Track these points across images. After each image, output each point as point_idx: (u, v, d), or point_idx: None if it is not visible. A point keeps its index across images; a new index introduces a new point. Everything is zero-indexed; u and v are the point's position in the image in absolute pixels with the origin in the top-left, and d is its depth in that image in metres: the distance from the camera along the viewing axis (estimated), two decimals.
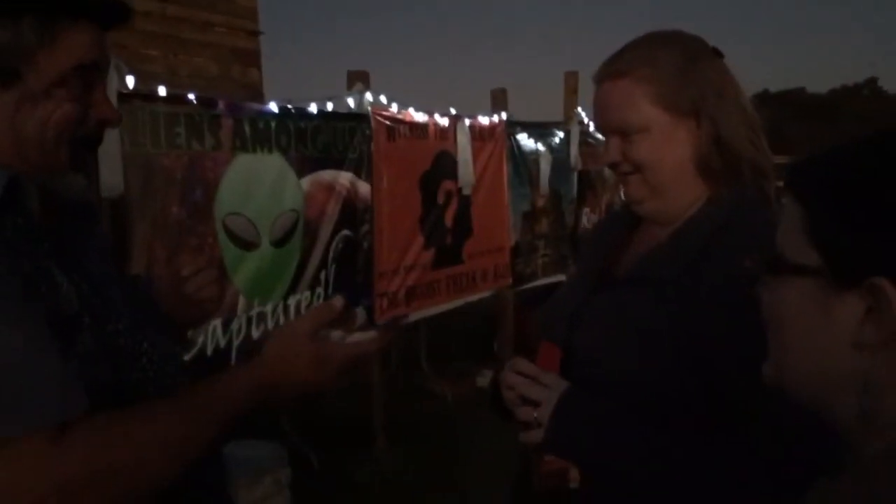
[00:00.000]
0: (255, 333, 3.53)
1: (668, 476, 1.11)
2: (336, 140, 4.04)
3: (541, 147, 6.08)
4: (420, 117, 4.72)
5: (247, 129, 3.47)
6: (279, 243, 3.70)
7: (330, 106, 4.10)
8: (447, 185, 4.99)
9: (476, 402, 5.39)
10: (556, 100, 6.78)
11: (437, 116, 4.87)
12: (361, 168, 4.23)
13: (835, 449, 0.64)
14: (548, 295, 5.34)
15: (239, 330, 3.46)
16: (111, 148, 2.75)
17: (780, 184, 0.85)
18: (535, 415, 1.17)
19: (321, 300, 3.95)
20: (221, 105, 3.38)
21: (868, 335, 0.59)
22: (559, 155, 6.32)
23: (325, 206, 4.00)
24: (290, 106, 3.80)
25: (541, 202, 6.15)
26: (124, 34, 2.85)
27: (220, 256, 3.35)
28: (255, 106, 3.71)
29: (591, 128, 7.00)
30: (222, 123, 3.34)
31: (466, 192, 5.11)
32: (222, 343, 3.33)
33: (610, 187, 7.74)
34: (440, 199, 4.94)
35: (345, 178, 4.11)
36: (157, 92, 3.10)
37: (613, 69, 1.23)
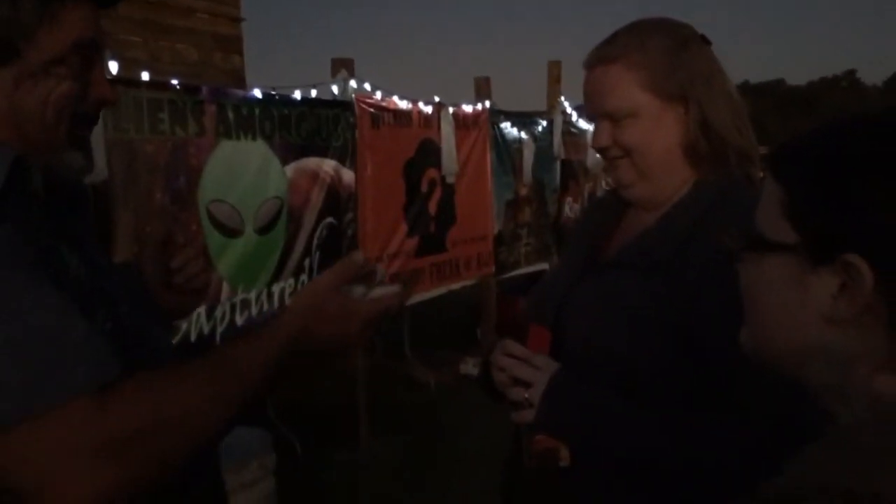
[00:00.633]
0: (239, 320, 3.53)
1: (656, 454, 1.14)
2: (320, 127, 4.04)
3: (524, 136, 6.10)
4: (404, 105, 4.72)
5: (230, 115, 3.46)
6: (263, 230, 3.70)
7: (314, 93, 4.10)
8: (431, 173, 5.00)
9: (459, 389, 5.42)
10: (539, 89, 6.81)
11: (420, 104, 4.87)
12: (345, 156, 4.22)
13: (817, 419, 0.66)
14: (530, 283, 5.39)
15: (223, 317, 3.46)
16: (94, 133, 2.73)
17: (762, 175, 0.87)
18: (527, 395, 1.20)
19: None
20: (205, 91, 3.36)
21: (841, 310, 0.61)
22: (542, 144, 6.35)
23: (309, 194, 3.99)
24: (273, 93, 3.79)
25: (524, 191, 6.17)
26: (105, 19, 2.84)
27: (203, 243, 3.35)
28: (239, 92, 3.69)
29: (574, 117, 7.03)
30: (206, 109, 3.33)
31: (450, 180, 5.13)
32: (206, 330, 3.33)
33: (592, 176, 7.78)
34: (424, 188, 4.95)
35: (329, 165, 4.11)
36: (140, 77, 3.08)
37: (604, 55, 1.25)
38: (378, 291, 1.00)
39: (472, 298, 6.08)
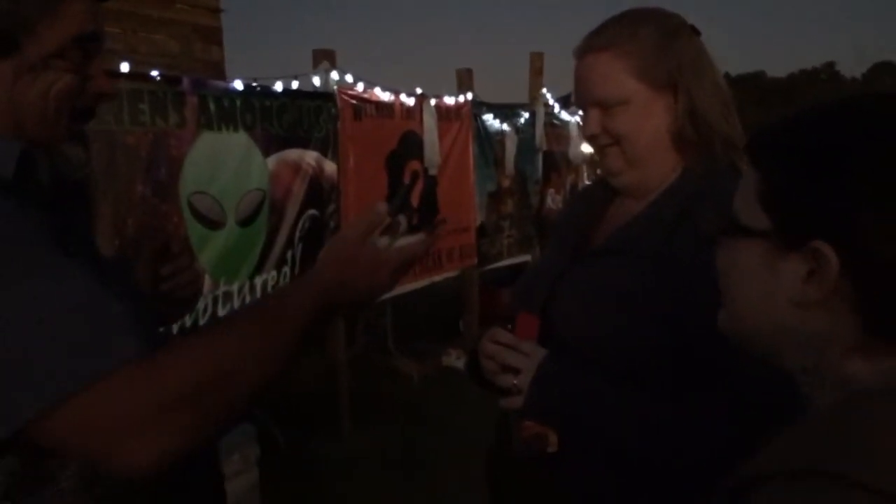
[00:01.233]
0: (221, 313, 3.52)
1: (645, 438, 1.15)
2: (302, 119, 4.02)
3: (506, 127, 6.10)
4: (386, 97, 4.71)
5: (212, 106, 3.43)
6: (245, 222, 3.68)
7: (295, 84, 4.08)
8: (413, 164, 4.99)
9: (442, 381, 5.44)
10: (521, 80, 6.81)
11: (403, 96, 4.86)
12: (327, 147, 4.21)
13: (798, 402, 0.68)
14: (513, 275, 5.41)
15: (205, 309, 3.45)
16: None
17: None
18: (515, 381, 1.21)
19: (287, 280, 3.94)
20: (186, 82, 3.34)
21: (809, 295, 0.62)
22: (524, 136, 6.35)
23: (292, 186, 3.98)
24: (255, 84, 3.77)
25: (506, 183, 6.18)
26: None
27: (185, 236, 3.33)
28: (221, 84, 3.67)
29: (557, 109, 7.05)
30: (187, 101, 3.31)
31: (432, 172, 5.12)
32: (188, 322, 3.31)
33: (574, 168, 7.80)
34: (406, 179, 4.95)
35: (311, 157, 4.10)
36: (119, 69, 3.06)
37: (595, 43, 1.26)
38: (403, 241, 1.03)
39: (455, 290, 6.08)
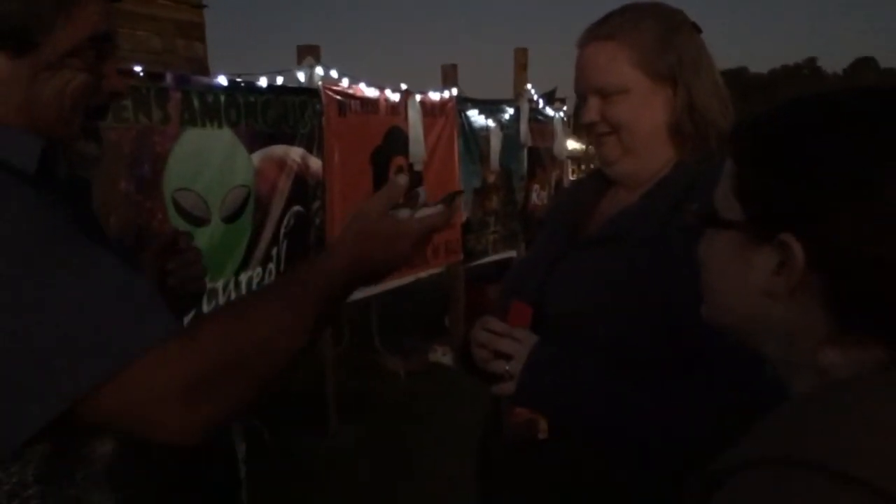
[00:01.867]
0: (206, 309, 3.50)
1: (635, 424, 1.16)
2: (287, 115, 4.01)
3: (491, 123, 6.10)
4: (371, 92, 4.70)
5: (195, 102, 3.41)
6: (230, 219, 3.66)
7: (280, 80, 4.06)
8: (398, 160, 4.99)
9: (429, 377, 5.44)
10: (506, 76, 6.82)
11: (388, 92, 4.85)
12: (312, 143, 4.20)
13: (781, 388, 0.69)
14: (499, 271, 5.41)
15: None
16: None
17: None
18: (508, 367, 1.22)
19: (273, 277, 3.93)
20: (169, 78, 3.32)
21: (779, 286, 0.64)
22: (509, 131, 6.36)
23: (277, 182, 3.96)
24: (239, 80, 3.75)
25: (491, 178, 6.19)
26: None
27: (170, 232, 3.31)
28: (204, 80, 3.65)
29: (541, 104, 7.06)
30: (170, 97, 3.29)
31: (418, 167, 5.12)
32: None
33: (559, 164, 7.81)
34: (391, 175, 4.94)
35: (296, 153, 4.08)
36: None
37: (599, 33, 1.29)
38: (423, 212, 1.05)
39: (441, 286, 6.09)
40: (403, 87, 5.02)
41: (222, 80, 3.63)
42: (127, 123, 3.09)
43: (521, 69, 6.75)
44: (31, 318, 0.83)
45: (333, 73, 4.39)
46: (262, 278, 3.86)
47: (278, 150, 3.96)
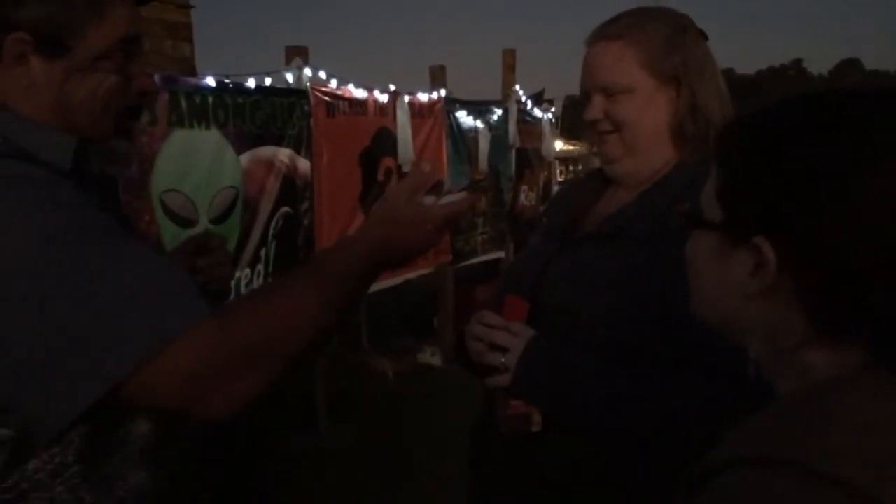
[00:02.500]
0: None
1: (630, 418, 1.17)
2: (275, 116, 4.00)
3: (479, 124, 6.12)
4: (359, 94, 4.70)
5: (183, 103, 3.41)
6: (218, 220, 3.66)
7: (268, 81, 4.06)
8: (387, 161, 4.99)
9: (417, 378, 5.45)
10: (494, 77, 6.83)
11: (376, 93, 4.86)
12: (301, 144, 4.19)
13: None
14: (487, 272, 5.40)
15: None
16: None
17: None
18: (503, 360, 1.23)
19: (261, 278, 3.93)
20: (157, 79, 3.31)
21: (754, 287, 0.65)
22: (497, 132, 6.38)
23: (265, 183, 3.96)
24: (227, 81, 3.74)
25: (480, 179, 6.19)
26: None
27: (157, 234, 3.30)
28: (192, 80, 3.63)
29: (529, 105, 7.08)
30: (158, 98, 3.27)
31: (406, 168, 5.12)
32: None
33: (547, 165, 7.84)
34: (380, 176, 4.94)
35: (284, 154, 4.08)
36: None
37: (607, 32, 1.31)
38: (447, 199, 1.08)
39: (429, 287, 6.09)
40: (392, 88, 5.02)
41: (210, 81, 3.62)
42: None
43: (510, 70, 6.77)
44: (77, 303, 0.88)
45: (322, 74, 4.39)
46: (251, 280, 3.86)
47: (266, 151, 3.96)
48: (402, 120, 5.02)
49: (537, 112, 7.34)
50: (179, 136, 3.39)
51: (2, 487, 0.92)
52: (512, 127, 6.55)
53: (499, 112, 6.43)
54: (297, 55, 4.29)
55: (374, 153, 4.85)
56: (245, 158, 3.80)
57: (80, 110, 1.02)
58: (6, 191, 0.91)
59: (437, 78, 5.70)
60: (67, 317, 0.88)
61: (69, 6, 0.98)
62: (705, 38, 1.34)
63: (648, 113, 1.29)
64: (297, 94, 4.19)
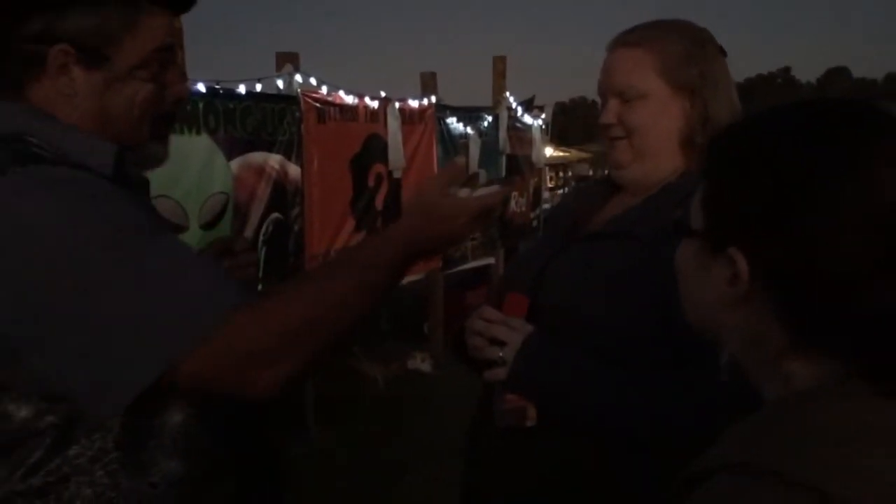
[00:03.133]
0: None
1: (624, 416, 1.19)
2: (265, 122, 4.01)
3: (470, 131, 6.14)
4: (350, 100, 4.72)
5: None
6: (208, 226, 3.66)
7: (259, 87, 4.06)
8: (377, 167, 5.00)
9: (407, 384, 5.45)
10: (484, 84, 6.85)
11: (367, 99, 4.87)
12: (291, 150, 4.20)
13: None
14: (477, 278, 5.39)
15: None
16: None
17: None
18: (501, 353, 1.25)
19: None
20: None
21: (731, 296, 0.66)
22: (488, 139, 6.40)
23: (255, 189, 3.96)
24: (218, 87, 3.75)
25: None
26: None
27: None
28: None
29: (519, 112, 7.11)
30: None
31: (397, 175, 5.14)
32: None
33: (537, 171, 7.86)
34: (371, 182, 4.95)
35: (275, 160, 4.08)
36: None
37: (628, 39, 1.34)
38: (481, 191, 1.12)
39: (420, 293, 6.10)
40: (382, 94, 5.04)
41: (201, 87, 3.62)
42: None
43: (500, 77, 6.79)
44: (129, 292, 0.93)
45: (312, 81, 4.40)
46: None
47: (257, 156, 3.96)
48: (393, 126, 5.03)
49: (527, 119, 7.37)
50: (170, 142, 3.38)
51: (45, 471, 0.98)
52: (502, 133, 6.57)
53: (489, 119, 6.45)
54: (287, 61, 4.31)
55: (364, 159, 4.86)
56: (235, 164, 3.80)
57: (119, 118, 1.08)
58: (56, 193, 0.95)
59: (427, 84, 5.72)
60: (121, 305, 0.93)
61: (107, 18, 1.03)
62: (724, 53, 1.37)
63: (661, 120, 1.31)
64: (288, 100, 4.20)
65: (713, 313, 0.69)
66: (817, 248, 0.60)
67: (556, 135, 11.39)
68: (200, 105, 3.57)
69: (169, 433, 1.05)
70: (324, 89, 4.48)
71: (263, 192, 4.01)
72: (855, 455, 0.56)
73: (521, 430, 1.24)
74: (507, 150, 6.70)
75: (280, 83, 4.23)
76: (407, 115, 5.24)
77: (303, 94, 4.27)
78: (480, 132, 6.28)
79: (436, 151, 5.62)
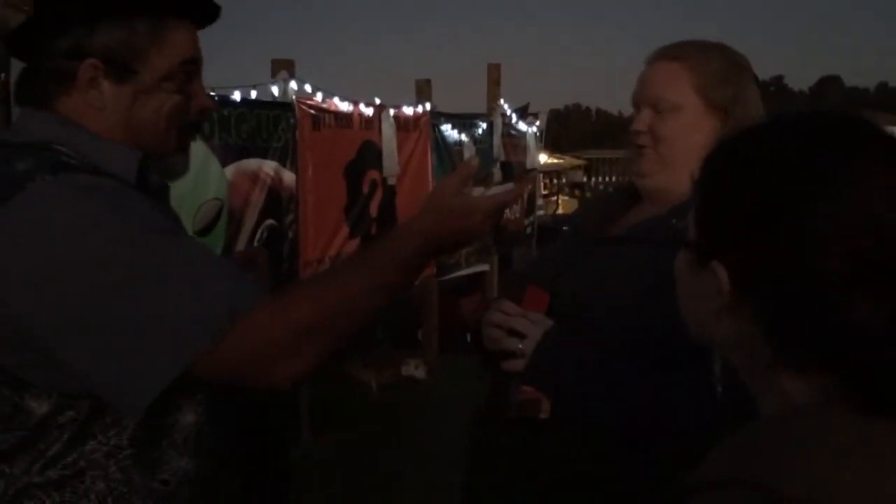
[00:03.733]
0: None
1: (638, 413, 1.20)
2: (260, 129, 4.01)
3: (464, 138, 6.15)
4: (345, 107, 4.73)
5: None
6: (203, 232, 3.66)
7: (254, 94, 4.07)
8: (372, 174, 5.01)
9: (401, 390, 5.44)
10: (479, 91, 6.87)
11: (361, 106, 4.88)
12: (286, 157, 4.21)
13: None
14: (471, 284, 5.38)
15: None
16: None
17: None
18: (520, 346, 1.26)
19: None
20: None
21: (716, 306, 0.67)
22: (482, 146, 6.41)
23: (250, 195, 3.97)
24: (213, 93, 3.75)
25: None
26: None
27: None
28: None
29: (514, 119, 7.13)
30: None
31: (391, 182, 5.14)
32: None
33: (531, 179, 7.87)
34: (365, 189, 4.96)
35: (269, 167, 4.09)
36: None
37: (668, 53, 1.37)
38: (494, 190, 1.15)
39: (414, 299, 6.10)
40: (377, 101, 5.05)
41: None
42: None
43: (495, 84, 6.81)
44: (152, 290, 0.98)
45: (307, 88, 4.41)
46: None
47: (252, 163, 3.97)
48: (388, 133, 5.04)
49: (522, 126, 7.38)
50: None
51: (62, 464, 1.03)
52: (497, 140, 6.59)
53: (483, 126, 6.47)
54: (282, 68, 4.32)
55: (359, 166, 4.87)
56: (230, 171, 3.81)
57: (146, 129, 1.12)
58: (82, 198, 1.01)
59: (422, 91, 5.73)
60: (144, 303, 0.97)
61: (134, 34, 1.08)
62: (758, 82, 1.39)
63: (691, 134, 1.33)
64: (283, 106, 4.21)
65: (706, 322, 0.70)
66: (791, 262, 0.61)
67: (550, 142, 11.41)
68: None
69: (181, 432, 1.10)
70: (319, 96, 4.49)
71: (258, 198, 4.01)
72: (844, 472, 0.57)
73: (534, 423, 1.27)
74: (502, 158, 6.71)
75: (275, 90, 4.24)
76: (402, 122, 5.25)
77: (298, 101, 4.28)
78: (475, 139, 6.30)
79: (430, 158, 5.64)
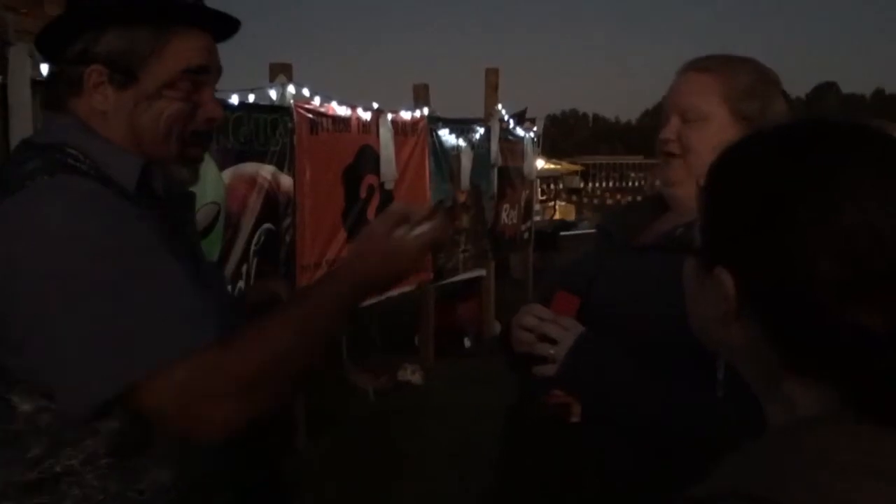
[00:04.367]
0: None
1: (671, 419, 1.21)
2: (258, 132, 4.01)
3: (462, 143, 6.16)
4: (343, 111, 4.73)
5: None
6: (200, 236, 3.64)
7: (252, 98, 4.07)
8: (369, 179, 5.01)
9: (398, 396, 5.44)
10: (477, 96, 6.88)
11: (359, 111, 4.88)
12: (284, 161, 4.20)
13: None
14: (468, 289, 5.39)
15: None
16: (27, 136, 2.66)
17: None
18: (552, 351, 1.27)
19: (242, 294, 3.92)
20: None
21: (722, 313, 0.66)
22: (480, 151, 6.42)
23: (247, 199, 3.96)
24: None
25: (462, 197, 6.23)
26: (33, 21, 2.76)
27: None
28: None
29: (511, 124, 7.14)
30: None
31: (389, 186, 5.14)
32: None
33: (529, 184, 7.89)
34: (362, 194, 4.96)
35: (267, 170, 4.08)
36: None
37: (698, 64, 1.40)
38: (419, 229, 1.15)
39: (411, 305, 6.10)
40: (375, 105, 5.05)
41: None
42: None
43: (492, 89, 6.82)
44: (102, 312, 0.98)
45: (305, 92, 4.41)
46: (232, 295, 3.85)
47: (249, 167, 3.96)
48: (385, 138, 5.04)
49: (519, 131, 7.40)
50: None
51: (40, 468, 1.04)
52: (494, 145, 6.60)
53: (481, 131, 6.47)
54: (281, 72, 4.31)
55: (356, 171, 4.87)
56: (228, 174, 3.80)
57: (146, 134, 1.13)
58: (68, 203, 1.02)
59: (420, 96, 5.74)
60: (89, 321, 0.98)
61: (137, 40, 1.11)
62: (787, 98, 1.41)
63: (718, 143, 1.32)
64: (281, 110, 4.20)
65: (713, 329, 0.70)
66: (791, 267, 0.61)
67: (547, 147, 11.42)
68: None
69: (161, 444, 1.10)
70: (316, 100, 4.49)
71: (255, 202, 4.01)
72: (851, 487, 0.56)
73: (564, 425, 1.28)
74: (499, 163, 6.72)
75: (273, 94, 4.24)
76: (399, 127, 5.26)
77: (295, 105, 4.27)
78: (472, 144, 6.30)
79: (428, 163, 5.64)
